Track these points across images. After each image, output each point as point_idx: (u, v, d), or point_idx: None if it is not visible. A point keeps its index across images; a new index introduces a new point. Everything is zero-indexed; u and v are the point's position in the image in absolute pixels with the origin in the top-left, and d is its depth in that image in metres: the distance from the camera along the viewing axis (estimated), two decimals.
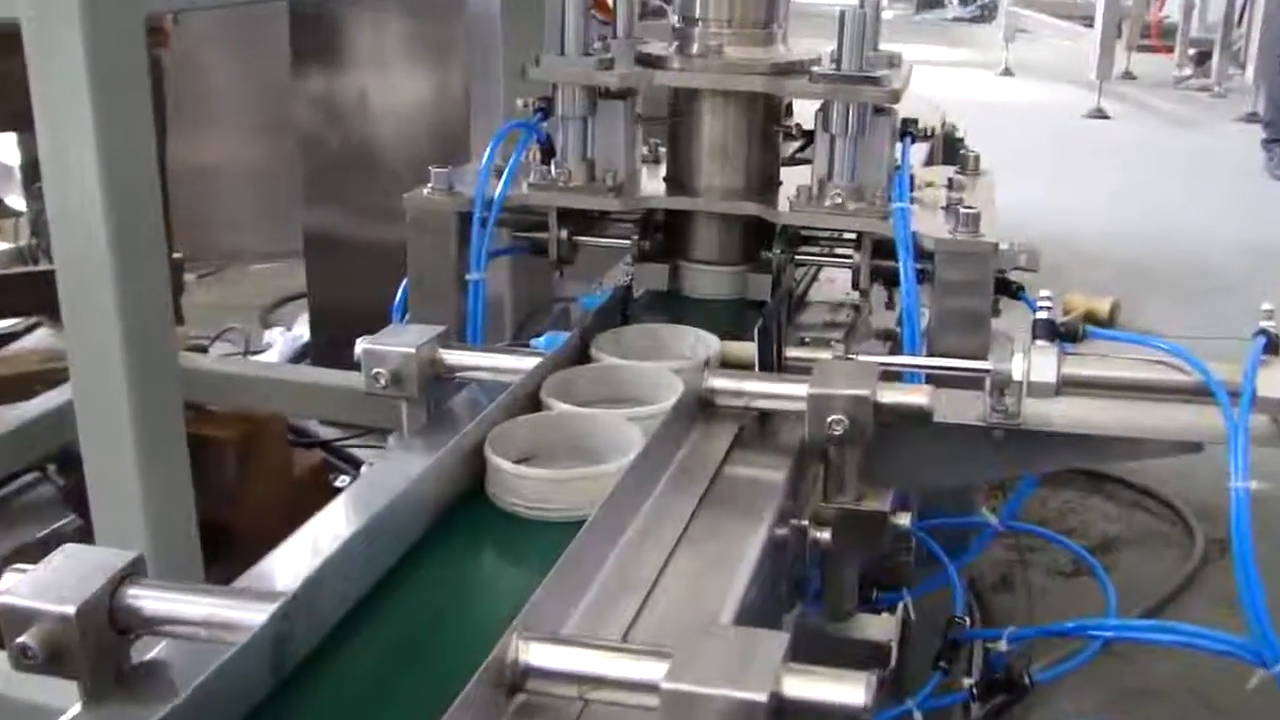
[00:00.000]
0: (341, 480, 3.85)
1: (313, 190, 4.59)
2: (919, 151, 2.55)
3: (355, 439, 4.15)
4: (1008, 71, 11.89)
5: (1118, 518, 4.02)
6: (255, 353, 4.92)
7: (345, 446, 4.17)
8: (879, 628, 1.67)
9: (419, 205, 2.10)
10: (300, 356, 4.96)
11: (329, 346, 4.57)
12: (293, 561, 1.28)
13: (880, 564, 1.73)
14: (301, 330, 5.07)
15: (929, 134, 2.23)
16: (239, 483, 3.50)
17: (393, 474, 1.46)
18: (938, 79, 9.56)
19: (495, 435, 1.48)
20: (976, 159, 2.37)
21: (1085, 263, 6.34)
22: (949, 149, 3.42)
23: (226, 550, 3.46)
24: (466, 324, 2.07)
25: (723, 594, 1.26)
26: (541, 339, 1.91)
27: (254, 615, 1.05)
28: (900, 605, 1.74)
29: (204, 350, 4.55)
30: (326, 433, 4.20)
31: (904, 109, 2.11)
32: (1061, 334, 1.78)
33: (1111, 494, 4.11)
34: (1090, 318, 5.87)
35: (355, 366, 1.67)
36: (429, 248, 2.11)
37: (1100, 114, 10.05)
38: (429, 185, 2.11)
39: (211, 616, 1.07)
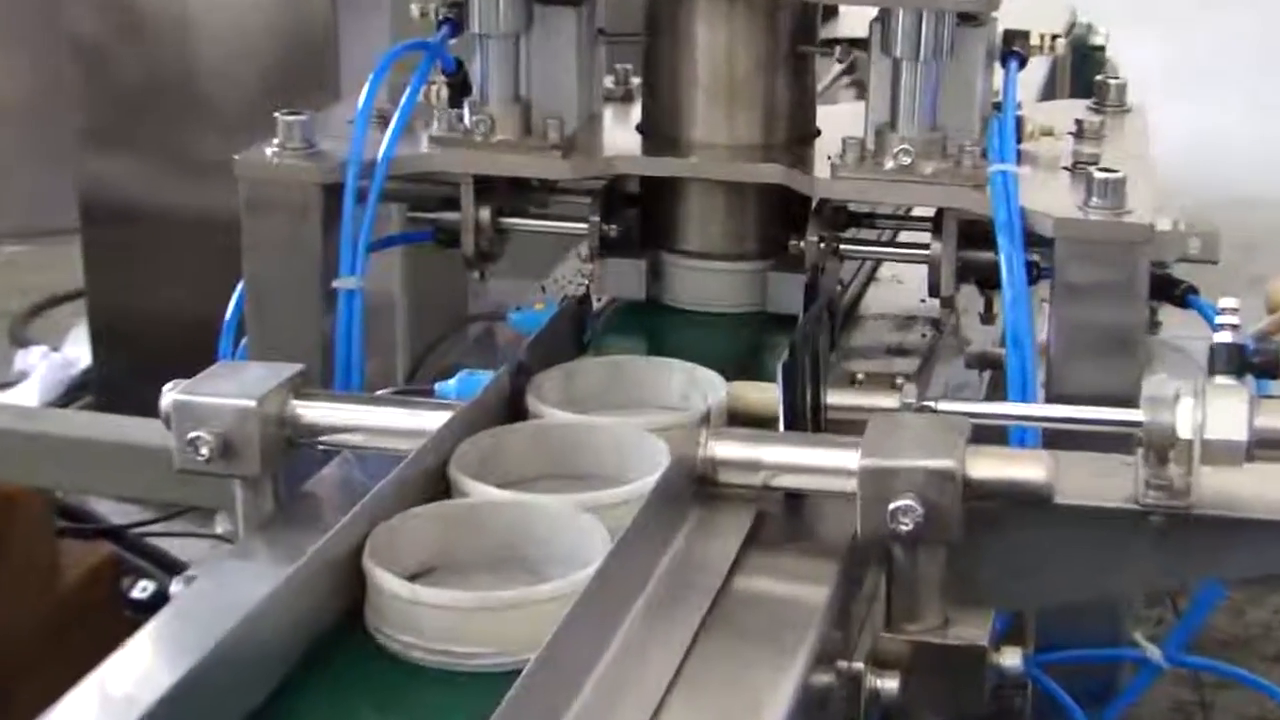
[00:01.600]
0: (141, 588, 3.84)
1: (96, 138, 4.56)
2: (1032, 78, 2.57)
3: (163, 523, 4.14)
4: None
5: None
6: (1, 387, 4.91)
7: (147, 535, 4.15)
8: None
9: (259, 172, 2.12)
10: (75, 392, 4.94)
11: (121, 377, 4.53)
12: None
13: None
14: (77, 351, 5.04)
15: (1048, 48, 2.25)
16: None
17: (222, 596, 1.47)
18: None
19: (379, 537, 1.48)
20: (1121, 89, 2.40)
21: None
22: (1083, 68, 3.46)
23: None
24: (335, 359, 2.09)
25: None
26: (451, 382, 1.92)
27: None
28: None
29: None
30: (117, 512, 4.19)
31: (1009, 11, 2.14)
32: (1256, 366, 1.80)
33: None
34: None
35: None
36: (275, 238, 2.12)
37: None
38: (274, 140, 2.13)
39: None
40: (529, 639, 1.32)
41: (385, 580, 1.44)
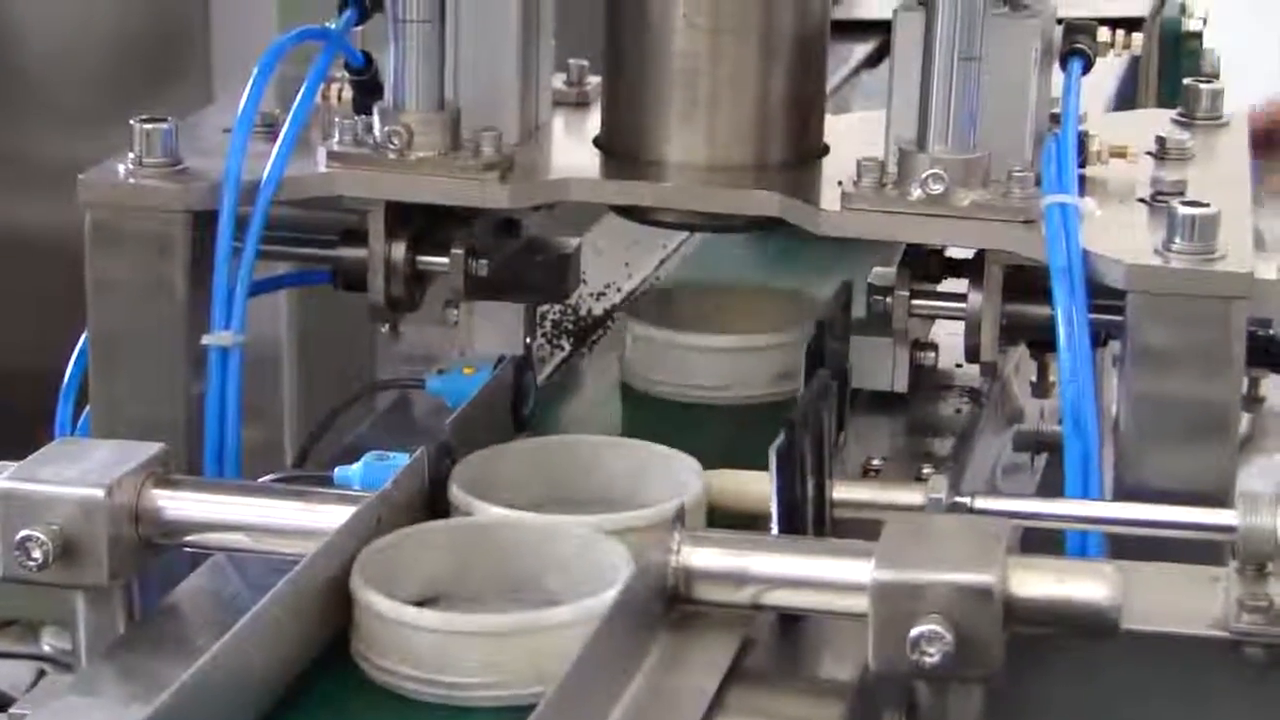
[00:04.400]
0: None
1: None
2: (1102, 82, 2.60)
3: None
4: None
5: None
6: None
7: None
8: None
9: (109, 195, 2.14)
10: None
11: None
12: None
13: None
14: None
15: (1124, 43, 2.26)
16: None
17: None
18: None
19: (370, 558, 1.55)
20: (1216, 95, 2.44)
21: None
22: (1174, 63, 3.47)
23: None
24: (205, 435, 2.10)
25: None
26: (355, 467, 1.94)
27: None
28: None
29: None
30: None
31: None
32: None
33: None
34: None
35: None
36: (130, 280, 2.14)
37: None
38: (129, 154, 2.15)
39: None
40: (525, 670, 1.46)
41: (373, 601, 1.53)
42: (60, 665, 3.30)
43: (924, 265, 2.20)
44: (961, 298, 2.19)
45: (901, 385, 2.20)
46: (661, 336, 2.30)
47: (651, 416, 2.26)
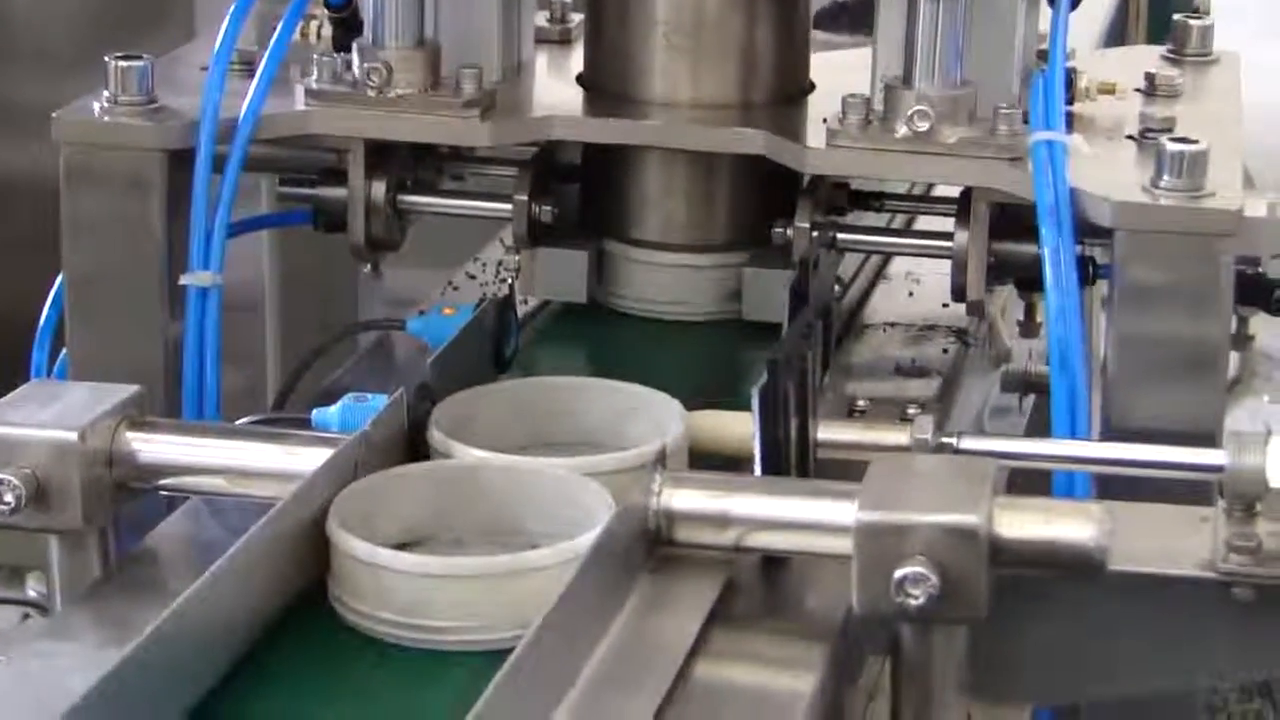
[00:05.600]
0: None
1: None
2: (1092, 16, 2.59)
3: None
4: None
5: None
6: None
7: None
8: None
9: (84, 133, 2.13)
10: None
11: None
12: None
13: None
14: None
15: None
16: None
17: (35, 686, 1.48)
18: None
19: (347, 500, 1.52)
20: (1205, 31, 2.43)
21: None
22: (1162, 2, 3.48)
23: None
24: (183, 377, 2.10)
25: None
26: (333, 409, 1.93)
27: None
28: None
29: None
30: None
31: None
32: None
33: None
34: None
35: None
36: (106, 220, 2.14)
37: None
38: (104, 91, 2.14)
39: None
40: (509, 613, 1.49)
41: (350, 544, 1.56)
42: (40, 609, 3.31)
43: (830, 198, 2.23)
44: (866, 229, 2.27)
45: None
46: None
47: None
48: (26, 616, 3.56)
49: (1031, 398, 2.29)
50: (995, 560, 1.54)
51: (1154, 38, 3.13)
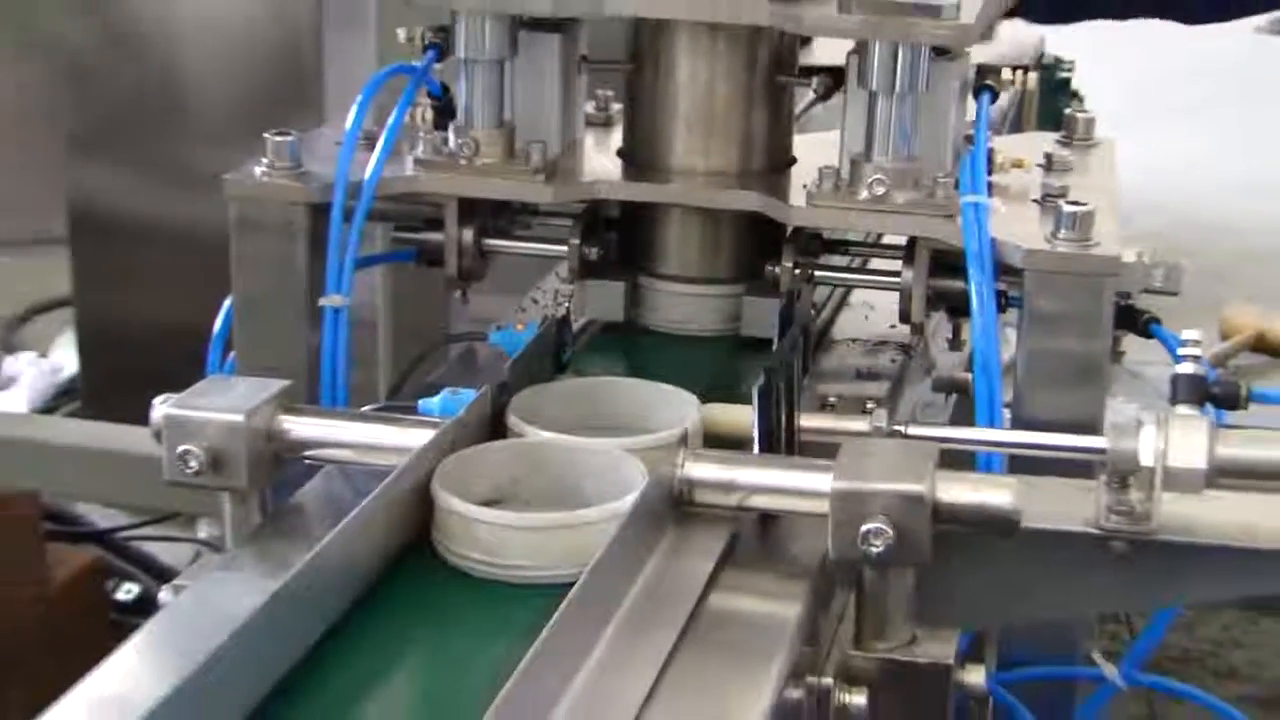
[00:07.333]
0: (126, 590, 3.84)
1: (86, 143, 4.57)
2: (999, 111, 2.59)
3: (149, 527, 4.14)
4: None
5: None
6: None
7: (132, 539, 4.15)
8: None
9: (248, 192, 2.13)
10: (61, 399, 4.94)
11: (107, 385, 4.53)
12: None
13: None
14: (63, 358, 5.05)
15: (1019, 81, 2.27)
16: None
17: (211, 606, 1.48)
18: None
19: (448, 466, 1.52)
20: (1089, 122, 2.43)
21: (1262, 260, 6.36)
22: (1051, 99, 3.49)
23: None
24: (321, 375, 2.10)
25: None
26: (434, 400, 1.93)
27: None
28: None
29: None
30: (103, 516, 4.19)
31: (981, 47, 2.16)
32: (1215, 397, 1.81)
33: None
34: (1263, 343, 5.91)
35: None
36: (263, 256, 2.13)
37: None
38: (263, 160, 2.13)
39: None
40: (565, 556, 1.54)
41: (451, 503, 1.58)
42: (212, 548, 3.30)
43: (807, 244, 2.22)
44: (834, 268, 2.28)
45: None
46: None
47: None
48: (198, 554, 3.56)
49: (954, 397, 2.28)
50: (936, 519, 1.54)
51: (1041, 125, 3.15)
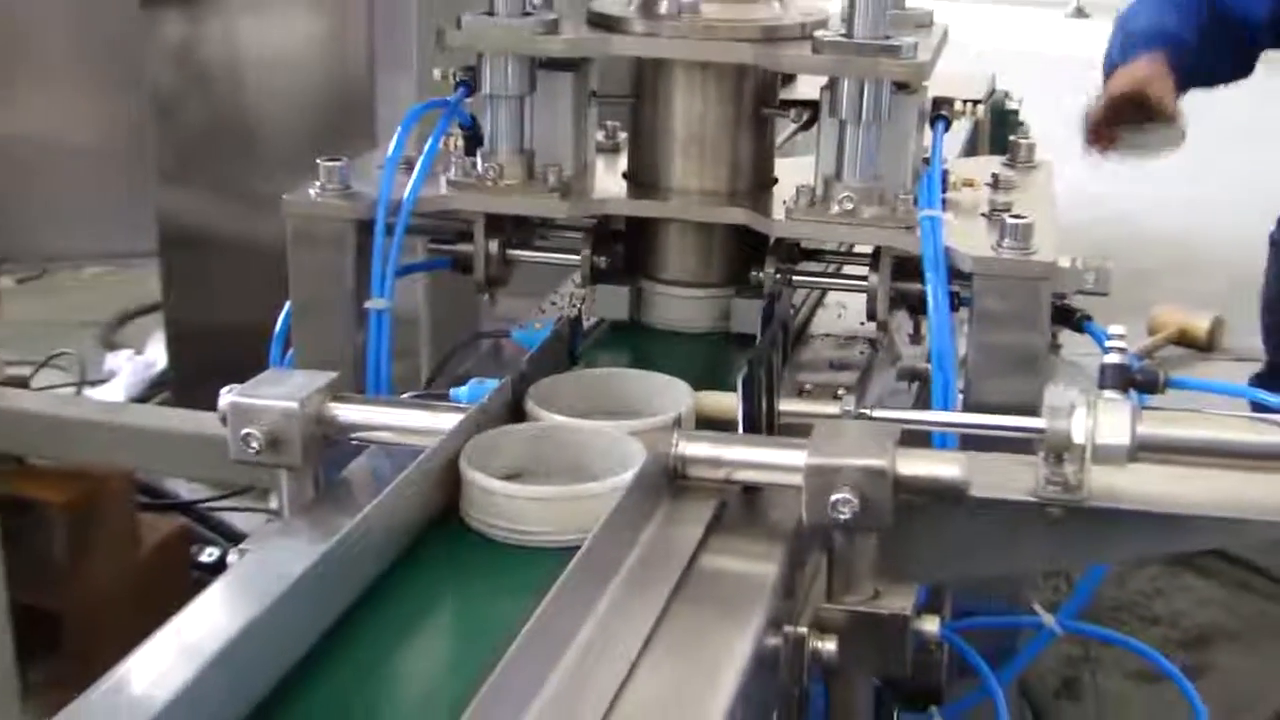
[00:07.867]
0: (208, 554, 3.86)
1: (171, 172, 4.60)
2: (956, 138, 2.59)
3: (228, 499, 4.16)
4: (1080, 12, 11.95)
5: (1218, 602, 4.06)
6: (93, 384, 4.91)
7: (214, 510, 4.17)
8: None
9: (304, 210, 2.14)
10: (154, 389, 4.96)
11: (193, 377, 4.56)
12: (158, 667, 1.30)
13: (903, 678, 1.76)
14: (156, 354, 5.06)
15: (970, 112, 2.27)
16: (70, 558, 3.51)
17: (271, 566, 1.49)
18: (985, 22, 9.57)
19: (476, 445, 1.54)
20: (1030, 148, 2.43)
21: (1186, 269, 6.36)
22: (1000, 128, 3.48)
23: (53, 643, 3.46)
24: (366, 368, 2.11)
25: None
26: (463, 389, 1.93)
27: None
28: None
29: (24, 384, 4.54)
30: (188, 489, 4.21)
31: (937, 80, 2.16)
32: (1137, 383, 1.81)
33: (1210, 570, 4.15)
34: (1185, 338, 5.92)
35: None
36: (317, 266, 2.14)
37: None
38: (317, 183, 2.14)
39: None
40: (574, 523, 1.54)
41: (476, 477, 1.59)
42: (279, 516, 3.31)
43: (788, 253, 2.22)
44: (811, 273, 2.27)
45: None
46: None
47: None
48: (269, 521, 3.57)
49: (915, 384, 2.28)
50: (896, 490, 1.54)
51: (994, 151, 3.15)
